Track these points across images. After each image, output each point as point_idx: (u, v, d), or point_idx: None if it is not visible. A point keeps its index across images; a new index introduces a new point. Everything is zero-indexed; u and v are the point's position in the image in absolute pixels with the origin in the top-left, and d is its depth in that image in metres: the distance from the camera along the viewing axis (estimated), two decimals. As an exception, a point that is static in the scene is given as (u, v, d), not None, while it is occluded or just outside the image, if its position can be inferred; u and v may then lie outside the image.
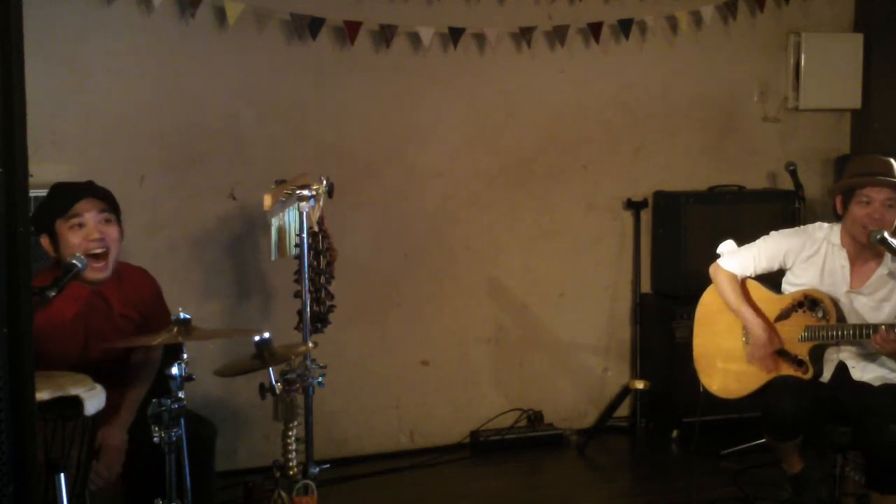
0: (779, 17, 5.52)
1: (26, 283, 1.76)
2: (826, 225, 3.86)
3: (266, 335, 3.17)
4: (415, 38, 4.85)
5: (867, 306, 3.73)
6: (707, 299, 4.05)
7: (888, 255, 3.68)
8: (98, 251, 3.32)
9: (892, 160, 3.75)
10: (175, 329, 3.01)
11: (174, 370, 2.98)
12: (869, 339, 3.58)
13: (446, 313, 5.10)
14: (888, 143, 5.28)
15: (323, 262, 3.89)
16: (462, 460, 4.96)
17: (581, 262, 5.32)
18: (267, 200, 3.41)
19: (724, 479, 4.51)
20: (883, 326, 3.54)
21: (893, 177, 3.69)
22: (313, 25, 4.62)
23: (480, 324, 5.17)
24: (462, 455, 5.01)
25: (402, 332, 5.02)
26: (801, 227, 3.99)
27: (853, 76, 5.60)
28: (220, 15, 4.53)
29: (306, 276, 3.64)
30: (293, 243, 3.59)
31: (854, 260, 3.76)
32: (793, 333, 3.79)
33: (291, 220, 3.59)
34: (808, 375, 3.76)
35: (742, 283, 3.92)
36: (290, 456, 3.36)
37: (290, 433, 3.35)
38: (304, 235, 3.57)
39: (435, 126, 5.02)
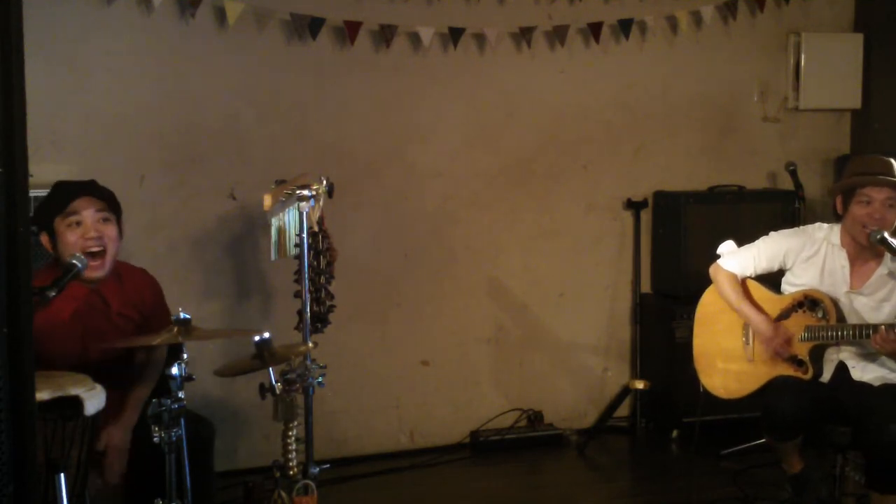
0: (779, 17, 5.52)
1: (26, 283, 1.76)
2: (826, 225, 3.86)
3: (266, 335, 3.16)
4: (415, 38, 4.85)
5: (867, 306, 3.73)
6: (707, 299, 4.05)
7: (888, 255, 3.68)
8: (95, 249, 3.32)
9: (892, 160, 3.75)
10: (175, 329, 3.01)
11: (174, 370, 2.98)
12: (869, 339, 3.58)
13: (446, 313, 5.10)
14: (888, 143, 5.28)
15: (323, 262, 3.89)
16: (462, 460, 4.96)
17: (581, 262, 5.32)
18: (267, 200, 3.41)
19: (724, 479, 4.51)
20: (883, 326, 3.54)
21: (894, 176, 3.69)
22: (313, 25, 4.62)
23: (480, 324, 5.17)
24: (462, 455, 5.01)
25: (402, 332, 5.02)
26: (801, 227, 4.00)
27: (853, 76, 5.60)
28: (220, 15, 4.53)
29: (306, 276, 3.64)
30: (293, 243, 3.59)
31: (854, 260, 3.76)
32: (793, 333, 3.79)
33: (291, 220, 3.59)
34: (808, 375, 3.76)
35: (742, 284, 3.92)
36: (290, 456, 3.36)
37: (290, 433, 3.35)
38: (304, 235, 3.57)
39: (435, 126, 5.02)
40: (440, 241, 5.07)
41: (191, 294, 4.47)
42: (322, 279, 3.89)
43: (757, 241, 3.93)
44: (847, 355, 3.76)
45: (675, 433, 5.15)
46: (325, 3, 4.68)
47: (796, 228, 4.01)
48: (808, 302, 3.77)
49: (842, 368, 3.76)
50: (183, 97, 4.58)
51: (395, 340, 5.01)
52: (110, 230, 3.38)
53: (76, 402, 2.79)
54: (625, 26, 5.11)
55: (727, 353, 3.95)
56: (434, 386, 5.10)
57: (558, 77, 5.17)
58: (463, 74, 5.01)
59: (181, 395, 2.98)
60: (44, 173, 3.81)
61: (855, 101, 5.63)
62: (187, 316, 3.03)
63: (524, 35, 5.00)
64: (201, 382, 3.32)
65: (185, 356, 3.00)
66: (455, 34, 4.86)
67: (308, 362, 3.51)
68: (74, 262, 3.09)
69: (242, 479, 4.05)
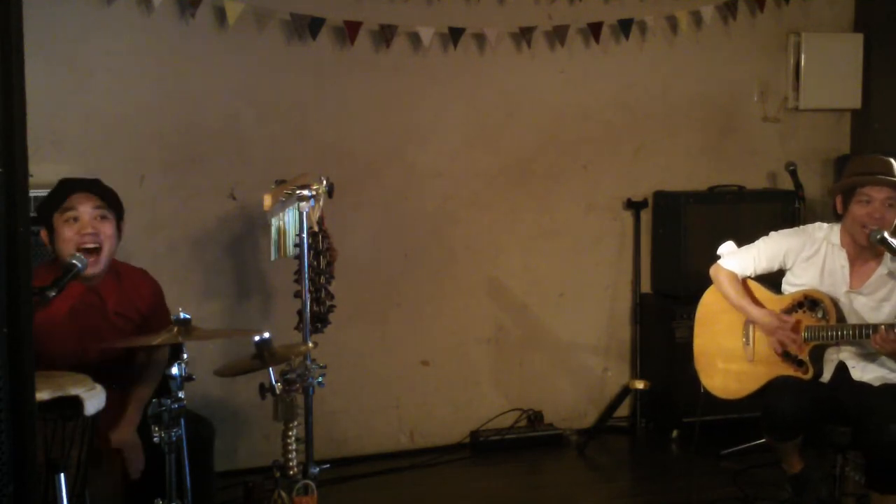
0: (779, 17, 5.52)
1: (26, 283, 1.76)
2: (826, 225, 3.86)
3: (266, 335, 3.17)
4: (415, 38, 4.85)
5: (867, 306, 3.73)
6: (707, 299, 4.05)
7: (888, 255, 3.68)
8: (90, 245, 3.31)
9: (892, 160, 3.75)
10: (175, 329, 3.01)
11: (174, 370, 2.98)
12: (869, 339, 3.59)
13: (446, 313, 5.10)
14: (888, 143, 5.28)
15: (323, 262, 3.89)
16: (462, 460, 4.96)
17: (581, 262, 5.32)
18: (267, 200, 3.41)
19: (724, 479, 4.51)
20: (883, 326, 3.55)
21: (894, 176, 3.69)
22: (313, 25, 4.62)
23: (480, 324, 5.17)
24: (462, 455, 5.01)
25: (402, 332, 5.02)
26: (801, 227, 4.00)
27: (853, 76, 5.60)
28: (220, 15, 4.53)
29: (306, 276, 3.64)
30: (293, 243, 3.59)
31: (854, 260, 3.76)
32: (793, 333, 3.80)
33: (291, 220, 3.59)
34: (808, 375, 3.76)
35: (742, 284, 3.92)
36: (290, 456, 3.36)
37: (290, 433, 3.35)
38: (304, 235, 3.57)
39: (435, 126, 5.02)
40: (440, 241, 5.07)
41: (191, 294, 4.47)
42: (322, 279, 3.89)
43: (757, 242, 3.93)
44: (847, 355, 3.76)
45: (675, 433, 5.15)
46: (325, 3, 4.68)
47: (796, 228, 4.01)
48: (808, 302, 3.77)
49: (842, 368, 3.76)
50: (183, 97, 4.58)
51: (395, 340, 5.01)
52: (107, 228, 3.37)
53: (76, 402, 2.79)
54: (625, 26, 5.11)
55: (727, 353, 3.95)
56: (434, 386, 5.10)
57: (558, 77, 5.17)
58: (463, 74, 5.01)
59: (181, 395, 2.99)
60: (44, 173, 3.82)
61: (855, 101, 5.63)
62: (187, 316, 3.03)
63: (524, 35, 5.00)
64: (201, 382, 3.31)
65: (185, 356, 3.00)
66: (455, 34, 4.86)
67: (308, 362, 3.51)
68: (74, 262, 3.09)
69: (242, 479, 4.04)
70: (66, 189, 3.38)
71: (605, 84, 5.27)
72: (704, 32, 5.35)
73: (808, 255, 3.81)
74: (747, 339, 3.90)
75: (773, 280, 3.92)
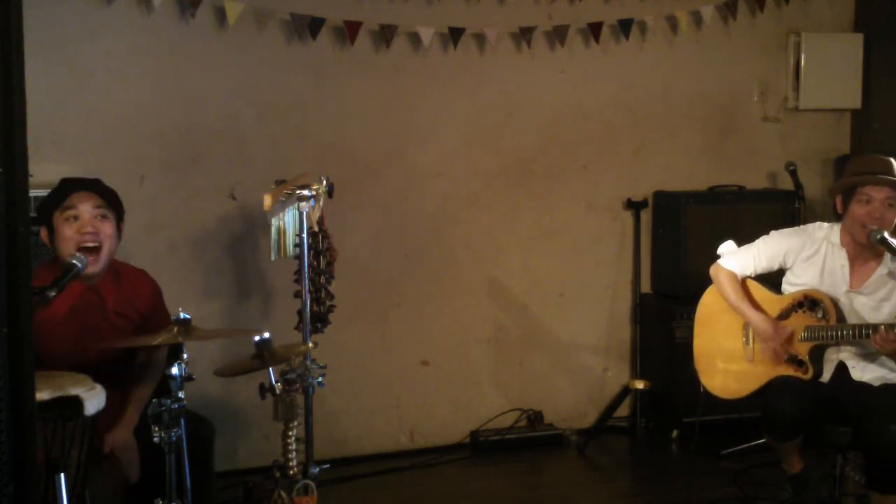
0: (779, 17, 5.52)
1: (26, 283, 1.76)
2: (826, 225, 3.87)
3: (266, 335, 3.17)
4: (415, 38, 4.85)
5: (867, 306, 3.73)
6: (707, 299, 4.05)
7: (888, 255, 3.68)
8: (90, 244, 3.31)
9: (892, 160, 3.75)
10: (175, 329, 3.01)
11: (174, 370, 2.98)
12: (869, 339, 3.58)
13: (446, 313, 5.10)
14: (888, 143, 5.28)
15: (323, 262, 3.89)
16: (462, 460, 4.96)
17: (581, 262, 5.32)
18: (267, 200, 3.41)
19: (724, 479, 4.51)
20: (883, 326, 3.55)
21: (894, 176, 3.69)
22: (313, 25, 4.62)
23: (480, 324, 5.17)
24: (462, 455, 5.01)
25: (402, 332, 5.02)
26: (801, 226, 4.00)
27: (853, 76, 5.60)
28: (220, 15, 4.53)
29: (306, 276, 3.64)
30: (293, 243, 3.59)
31: (854, 260, 3.76)
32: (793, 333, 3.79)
33: (291, 220, 3.59)
34: (808, 375, 3.76)
35: (742, 284, 3.92)
36: (290, 456, 3.36)
37: (290, 433, 3.35)
38: (304, 235, 3.57)
39: (435, 126, 5.02)
40: (440, 241, 5.07)
41: (191, 294, 4.47)
42: (322, 279, 3.89)
43: (757, 241, 3.93)
44: (847, 355, 3.76)
45: (675, 433, 5.14)
46: (325, 3, 4.68)
47: (796, 228, 4.01)
48: (808, 302, 3.77)
49: (842, 368, 3.76)
50: (183, 97, 4.58)
51: (395, 340, 5.01)
52: (107, 227, 3.38)
53: (76, 402, 2.79)
54: (625, 26, 5.11)
55: (727, 353, 3.95)
56: (434, 386, 5.10)
57: (558, 77, 5.17)
58: (463, 74, 5.01)
59: (181, 395, 2.99)
60: (44, 173, 3.82)
61: (855, 101, 5.63)
62: (187, 316, 3.03)
63: (524, 35, 5.00)
64: (201, 382, 3.31)
65: (185, 356, 3.00)
66: (455, 34, 4.86)
67: (308, 362, 3.51)
68: (75, 262, 3.09)
69: (242, 479, 4.05)
70: (67, 188, 3.39)
71: (605, 84, 5.27)
72: (704, 32, 5.35)
73: (808, 255, 3.81)
74: (747, 339, 3.91)
75: (772, 280, 3.92)
